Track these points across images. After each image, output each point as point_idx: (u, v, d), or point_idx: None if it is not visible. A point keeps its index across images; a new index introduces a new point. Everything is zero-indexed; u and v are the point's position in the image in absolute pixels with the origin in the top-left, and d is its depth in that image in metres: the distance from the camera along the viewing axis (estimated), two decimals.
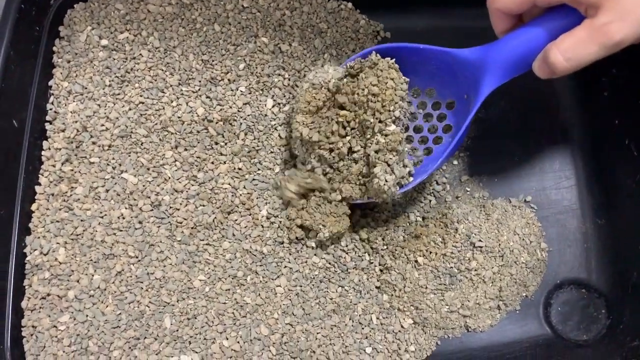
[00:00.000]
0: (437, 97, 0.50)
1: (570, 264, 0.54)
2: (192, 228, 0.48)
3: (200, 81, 0.52)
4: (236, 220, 0.49)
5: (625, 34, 0.36)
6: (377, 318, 0.49)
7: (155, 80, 0.51)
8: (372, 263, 0.51)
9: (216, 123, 0.51)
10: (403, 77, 0.46)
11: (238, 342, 0.46)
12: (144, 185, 0.49)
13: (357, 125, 0.46)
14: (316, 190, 0.48)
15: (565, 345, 0.51)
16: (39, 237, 0.47)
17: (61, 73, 0.51)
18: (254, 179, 0.50)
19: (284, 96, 0.53)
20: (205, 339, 0.46)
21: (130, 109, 0.50)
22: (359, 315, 0.49)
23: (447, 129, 0.50)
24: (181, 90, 0.52)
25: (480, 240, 0.50)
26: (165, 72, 0.52)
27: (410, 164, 0.47)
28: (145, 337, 0.46)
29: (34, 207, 0.48)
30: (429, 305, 0.50)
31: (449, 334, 0.51)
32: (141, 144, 0.50)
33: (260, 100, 0.53)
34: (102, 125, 0.50)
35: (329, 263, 0.49)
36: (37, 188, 0.48)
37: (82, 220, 0.48)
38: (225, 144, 0.51)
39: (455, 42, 0.47)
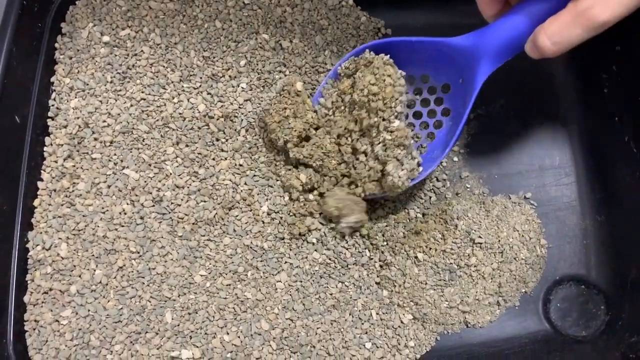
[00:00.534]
0: (432, 82, 0.51)
1: (570, 261, 0.54)
2: (193, 224, 0.48)
3: (201, 77, 0.52)
4: (237, 216, 0.49)
5: (609, 15, 0.37)
6: (377, 313, 0.50)
7: (157, 77, 0.52)
8: (372, 259, 0.51)
9: (217, 119, 0.51)
10: (399, 72, 0.47)
11: (239, 337, 0.46)
12: (145, 181, 0.49)
13: (356, 131, 0.47)
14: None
15: (564, 341, 0.51)
16: (41, 233, 0.47)
17: (63, 69, 0.51)
18: (254, 175, 0.51)
19: None
20: (206, 333, 0.46)
21: (131, 105, 0.51)
22: (359, 311, 0.49)
23: (445, 112, 0.51)
24: (182, 86, 0.52)
25: (480, 237, 0.50)
26: (167, 68, 0.52)
27: (418, 154, 0.48)
28: (147, 332, 0.46)
29: (36, 202, 0.48)
30: (428, 301, 0.50)
31: (448, 329, 0.51)
32: (143, 140, 0.50)
33: (261, 97, 0.53)
34: (104, 121, 0.50)
35: (329, 259, 0.50)
36: (39, 184, 0.49)
37: (84, 216, 0.48)
38: (226, 140, 0.51)
39: None
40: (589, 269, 0.53)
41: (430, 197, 0.54)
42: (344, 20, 0.57)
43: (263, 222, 0.50)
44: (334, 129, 0.49)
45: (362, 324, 0.49)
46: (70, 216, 0.48)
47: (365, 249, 0.51)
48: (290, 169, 0.50)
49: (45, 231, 0.47)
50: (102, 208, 0.48)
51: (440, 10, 0.59)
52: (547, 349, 0.50)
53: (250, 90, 0.53)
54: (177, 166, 0.50)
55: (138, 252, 0.47)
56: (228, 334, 0.46)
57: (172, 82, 0.52)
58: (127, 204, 0.48)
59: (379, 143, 0.46)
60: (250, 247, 0.49)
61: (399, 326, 0.50)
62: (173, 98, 0.51)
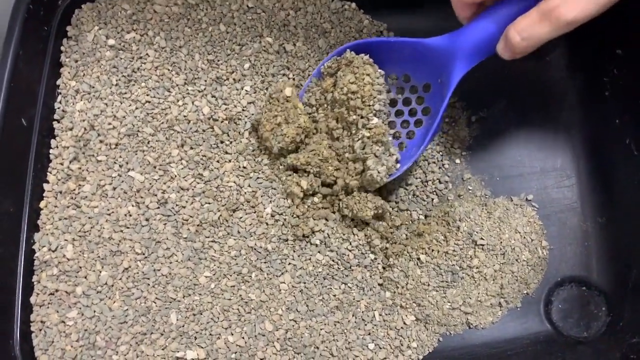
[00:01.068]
0: (413, 81, 0.52)
1: (571, 262, 0.54)
2: (197, 225, 0.49)
3: (205, 80, 0.53)
4: (241, 217, 0.50)
5: (575, 14, 0.38)
6: (380, 315, 0.50)
7: (162, 80, 0.52)
8: (375, 261, 0.51)
9: (221, 122, 0.52)
10: (379, 71, 0.49)
11: (243, 338, 0.47)
12: (150, 183, 0.49)
13: (339, 128, 0.49)
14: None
15: (565, 342, 0.51)
16: (47, 234, 0.48)
17: (69, 72, 0.52)
18: (258, 178, 0.51)
19: None
20: (210, 334, 0.47)
21: (137, 108, 0.51)
22: (362, 312, 0.49)
23: (426, 111, 0.52)
24: (187, 89, 0.52)
25: (482, 239, 0.51)
26: (172, 71, 0.53)
27: (396, 151, 0.50)
28: (152, 333, 0.46)
29: (42, 204, 0.49)
30: (431, 302, 0.50)
31: (450, 330, 0.51)
32: (148, 143, 0.50)
33: (265, 97, 0.53)
34: (110, 123, 0.50)
35: (333, 260, 0.50)
36: (45, 186, 0.49)
37: (89, 218, 0.48)
38: (230, 142, 0.52)
39: None
40: (590, 271, 0.54)
41: (432, 199, 0.54)
42: (347, 24, 0.57)
43: (267, 224, 0.50)
44: (319, 126, 0.51)
45: (365, 325, 0.49)
46: (76, 218, 0.48)
47: (368, 250, 0.51)
48: (290, 174, 0.51)
49: (51, 233, 0.48)
50: (108, 210, 0.49)
51: (442, 14, 0.59)
52: (548, 350, 0.50)
53: (254, 93, 0.53)
54: (182, 168, 0.50)
55: (143, 254, 0.48)
56: (232, 334, 0.47)
57: (177, 85, 0.52)
58: (133, 205, 0.49)
59: (358, 140, 0.48)
60: (254, 249, 0.49)
61: (401, 327, 0.50)
62: (178, 101, 0.52)
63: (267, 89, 0.53)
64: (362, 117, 0.48)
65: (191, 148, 0.51)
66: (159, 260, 0.48)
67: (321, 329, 0.48)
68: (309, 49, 0.55)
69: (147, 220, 0.49)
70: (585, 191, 0.55)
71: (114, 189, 0.49)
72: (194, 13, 0.54)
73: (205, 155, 0.51)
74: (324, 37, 0.56)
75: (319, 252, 0.50)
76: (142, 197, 0.49)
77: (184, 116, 0.51)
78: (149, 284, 0.47)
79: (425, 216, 0.54)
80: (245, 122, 0.52)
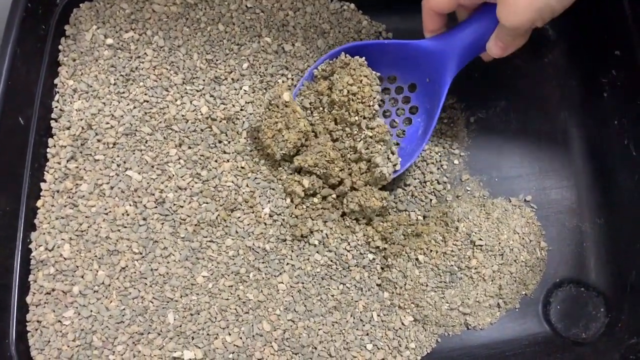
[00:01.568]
0: (399, 82, 0.54)
1: (570, 263, 0.54)
2: (195, 225, 0.49)
3: (204, 80, 0.53)
4: (239, 217, 0.50)
5: (511, 22, 0.41)
6: (378, 315, 0.50)
7: (160, 79, 0.52)
8: (373, 261, 0.51)
9: (220, 122, 0.52)
10: (374, 73, 0.50)
11: (240, 338, 0.47)
12: (148, 183, 0.49)
13: (342, 127, 0.50)
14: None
15: (564, 343, 0.51)
16: (44, 233, 0.48)
17: (67, 71, 0.52)
18: (256, 178, 0.51)
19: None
20: (208, 334, 0.46)
21: (134, 107, 0.51)
22: (360, 313, 0.49)
23: (412, 110, 0.54)
24: (185, 89, 0.52)
25: (480, 239, 0.51)
26: (170, 71, 0.52)
27: (396, 150, 0.51)
28: (149, 332, 0.46)
29: (39, 203, 0.48)
30: (429, 302, 0.50)
31: (449, 331, 0.51)
32: (145, 142, 0.50)
33: (263, 100, 0.53)
34: (107, 123, 0.50)
35: (331, 260, 0.50)
36: (42, 185, 0.49)
37: (86, 217, 0.48)
38: (229, 142, 0.52)
39: None
40: (588, 272, 0.54)
41: (431, 200, 0.54)
42: (346, 24, 0.57)
43: (265, 224, 0.50)
44: (317, 129, 0.51)
45: (363, 325, 0.49)
46: (73, 217, 0.48)
47: (367, 251, 0.51)
48: (291, 174, 0.51)
49: (48, 232, 0.48)
50: (105, 209, 0.48)
51: None
52: (547, 351, 0.50)
53: (253, 92, 0.53)
54: (180, 168, 0.50)
55: (140, 253, 0.48)
56: (230, 334, 0.47)
57: (175, 84, 0.52)
58: (130, 205, 0.49)
59: (360, 140, 0.49)
60: (252, 249, 0.49)
61: (399, 328, 0.50)
62: (176, 100, 0.52)
63: (265, 89, 0.53)
64: (364, 118, 0.49)
65: (189, 147, 0.51)
66: (156, 260, 0.48)
67: (319, 329, 0.48)
68: (307, 49, 0.55)
69: (144, 219, 0.48)
70: (584, 192, 0.55)
71: (112, 188, 0.49)
72: (193, 13, 0.54)
73: (204, 155, 0.51)
74: (322, 37, 0.56)
75: (317, 252, 0.50)
76: (139, 197, 0.49)
77: (182, 115, 0.51)
78: (146, 284, 0.47)
79: (424, 217, 0.54)
80: (244, 122, 0.52)
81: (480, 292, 0.50)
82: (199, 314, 0.47)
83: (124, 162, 0.50)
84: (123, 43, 0.53)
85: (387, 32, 0.59)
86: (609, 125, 0.54)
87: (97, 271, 0.47)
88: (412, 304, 0.50)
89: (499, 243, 0.51)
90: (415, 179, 0.55)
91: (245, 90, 0.53)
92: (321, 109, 0.52)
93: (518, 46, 0.46)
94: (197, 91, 0.52)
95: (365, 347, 0.48)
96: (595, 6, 0.54)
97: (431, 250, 0.51)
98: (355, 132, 0.49)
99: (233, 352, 0.46)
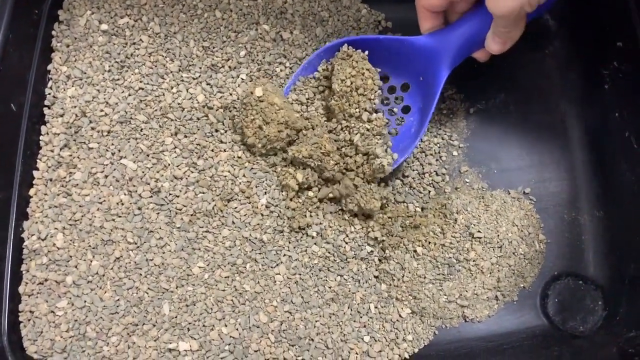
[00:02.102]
0: (392, 81, 0.54)
1: (568, 256, 0.54)
2: (191, 215, 0.48)
3: (200, 68, 0.52)
4: (236, 208, 0.49)
5: (500, 9, 0.41)
6: (376, 307, 0.49)
7: (156, 66, 0.51)
8: (371, 253, 0.51)
9: (216, 110, 0.51)
10: (374, 68, 0.50)
11: (237, 329, 0.46)
12: (143, 172, 0.48)
13: (342, 119, 0.50)
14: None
15: (561, 336, 0.51)
16: (36, 222, 0.47)
17: (60, 57, 0.51)
18: (252, 168, 0.50)
19: (284, 84, 0.53)
20: (204, 325, 0.46)
21: (129, 95, 0.50)
22: (358, 304, 0.49)
23: (405, 110, 0.54)
24: (181, 76, 0.51)
25: (479, 231, 0.50)
26: (166, 58, 0.52)
27: (391, 144, 0.51)
28: (144, 324, 0.45)
29: (32, 192, 0.48)
30: (427, 295, 0.50)
31: (446, 323, 0.51)
32: (141, 130, 0.49)
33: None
34: (102, 110, 0.49)
35: (329, 252, 0.49)
36: (35, 173, 0.48)
37: (80, 206, 0.47)
38: (225, 131, 0.51)
39: None
40: (587, 265, 0.53)
41: (429, 192, 0.54)
42: (345, 13, 0.56)
43: (262, 215, 0.49)
44: (313, 122, 0.51)
45: (361, 317, 0.49)
46: (66, 206, 0.47)
47: (365, 243, 0.51)
48: (285, 166, 0.50)
49: (41, 221, 0.47)
50: (99, 198, 0.48)
51: None
52: (544, 344, 0.50)
53: (250, 81, 0.52)
54: (176, 157, 0.49)
55: (135, 243, 0.47)
56: (226, 326, 0.46)
57: (171, 71, 0.51)
58: (125, 194, 0.48)
59: (357, 133, 0.48)
60: (249, 240, 0.48)
61: (397, 320, 0.49)
62: (172, 88, 0.51)
63: (263, 77, 0.53)
64: (365, 110, 0.48)
65: (185, 136, 0.50)
66: (151, 250, 0.47)
67: (316, 321, 0.48)
68: (306, 38, 0.54)
69: (139, 209, 0.48)
70: (583, 185, 0.55)
71: (106, 177, 0.48)
72: None
73: (200, 144, 0.50)
74: (321, 25, 0.55)
75: (315, 243, 0.49)
76: (134, 186, 0.48)
77: (178, 104, 0.50)
78: (141, 274, 0.46)
79: (422, 208, 0.53)
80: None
81: (479, 285, 0.50)
82: (194, 305, 0.46)
83: (119, 151, 0.49)
84: (118, 29, 0.52)
85: (387, 21, 0.58)
86: (609, 117, 0.53)
87: (91, 261, 0.46)
88: (409, 296, 0.50)
89: (498, 235, 0.51)
90: (413, 170, 0.54)
91: (242, 79, 0.52)
92: (317, 103, 0.51)
93: (515, 39, 0.46)
94: (194, 79, 0.51)
95: (362, 339, 0.48)
96: None
97: (429, 242, 0.50)
98: (353, 124, 0.49)
99: (229, 344, 0.46)
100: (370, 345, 0.48)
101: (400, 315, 0.50)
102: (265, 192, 0.50)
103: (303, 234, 0.49)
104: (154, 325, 0.45)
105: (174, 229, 0.48)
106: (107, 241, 0.47)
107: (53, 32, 0.51)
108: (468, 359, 0.49)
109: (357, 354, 0.47)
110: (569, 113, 0.57)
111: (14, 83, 0.48)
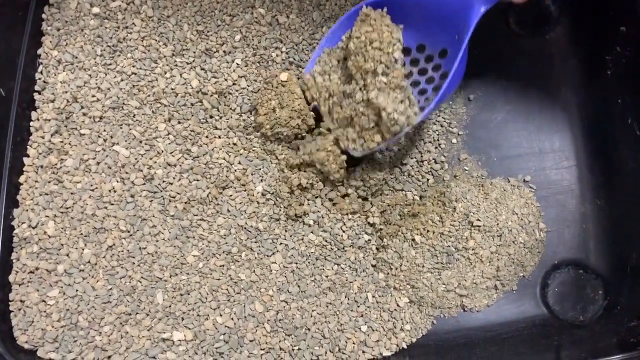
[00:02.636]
0: (429, 50, 0.50)
1: (569, 245, 0.53)
2: (185, 203, 0.47)
3: (194, 52, 0.51)
4: (231, 195, 0.48)
5: None
6: (373, 296, 0.49)
7: (148, 51, 0.50)
8: (369, 242, 0.50)
9: (211, 96, 0.50)
10: (395, 24, 0.46)
11: (232, 319, 0.45)
12: (136, 158, 0.48)
13: (359, 79, 0.46)
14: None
15: (561, 325, 0.51)
16: (27, 210, 0.46)
17: (50, 41, 0.49)
18: (248, 155, 0.49)
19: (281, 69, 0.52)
20: (198, 315, 0.45)
21: (122, 80, 0.49)
22: (355, 294, 0.48)
23: (444, 76, 0.49)
24: (175, 61, 0.50)
25: (478, 220, 0.49)
26: (159, 42, 0.50)
27: (415, 101, 0.46)
28: (137, 313, 0.45)
29: (22, 179, 0.47)
30: (425, 284, 0.49)
31: (445, 313, 0.50)
32: (133, 116, 0.48)
33: (257, 74, 0.51)
34: (93, 96, 0.48)
35: (325, 241, 0.49)
36: (25, 160, 0.47)
37: (72, 193, 0.46)
38: (220, 117, 0.50)
39: None
40: (587, 254, 0.53)
41: (428, 179, 0.53)
42: None
43: (258, 203, 0.48)
44: (332, 88, 0.48)
45: (358, 306, 0.48)
46: (57, 193, 0.46)
47: (362, 231, 0.50)
48: (291, 170, 0.49)
49: (31, 209, 0.46)
50: (91, 185, 0.47)
51: None
52: (544, 334, 0.50)
53: (246, 66, 0.51)
54: (169, 143, 0.48)
55: (128, 231, 0.46)
56: (221, 315, 0.45)
57: (165, 56, 0.50)
58: (117, 181, 0.47)
59: (374, 89, 0.45)
60: (245, 228, 0.48)
61: (395, 309, 0.49)
62: (165, 73, 0.50)
63: (259, 62, 0.52)
64: (381, 63, 0.44)
65: (179, 122, 0.49)
66: (144, 239, 0.46)
67: (313, 311, 0.47)
68: (302, 22, 0.53)
69: (132, 196, 0.47)
70: (584, 173, 0.55)
71: (98, 163, 0.47)
72: None
73: (194, 131, 0.49)
74: (318, 9, 0.54)
75: (312, 232, 0.48)
76: (127, 173, 0.47)
77: (172, 89, 0.49)
78: (134, 263, 0.46)
79: (421, 197, 0.52)
80: (237, 97, 0.50)
81: (478, 274, 0.50)
82: (189, 294, 0.46)
83: (111, 137, 0.48)
84: (110, 12, 0.50)
85: None
86: (611, 104, 0.53)
87: (83, 249, 0.45)
88: (407, 285, 0.49)
89: (497, 224, 0.50)
90: (412, 158, 0.53)
91: (237, 64, 0.51)
92: (338, 71, 0.49)
93: None
94: (188, 64, 0.50)
95: (359, 328, 0.47)
96: None
97: (428, 231, 0.49)
98: (370, 80, 0.45)
99: (224, 334, 0.45)
100: (368, 335, 0.47)
101: (398, 305, 0.49)
102: (262, 180, 0.49)
103: (300, 222, 0.49)
104: (148, 315, 0.45)
105: (167, 217, 0.47)
106: (99, 229, 0.46)
107: (43, 16, 0.50)
108: (467, 349, 0.49)
109: (354, 343, 0.47)
110: (571, 100, 0.56)
111: (3, 68, 0.47)
